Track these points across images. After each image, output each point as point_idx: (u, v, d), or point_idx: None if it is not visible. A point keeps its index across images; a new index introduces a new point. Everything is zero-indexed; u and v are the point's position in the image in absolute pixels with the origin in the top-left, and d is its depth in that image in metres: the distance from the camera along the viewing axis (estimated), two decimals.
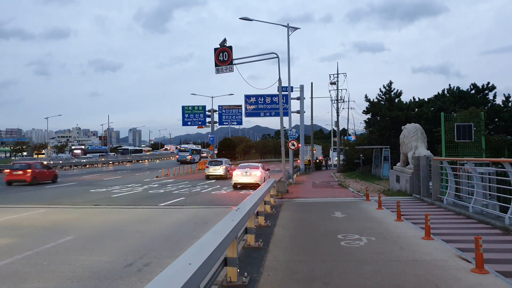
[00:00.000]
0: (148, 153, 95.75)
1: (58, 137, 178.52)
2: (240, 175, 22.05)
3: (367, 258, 6.40)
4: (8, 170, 25.09)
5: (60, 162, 50.89)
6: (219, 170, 30.45)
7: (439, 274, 5.46)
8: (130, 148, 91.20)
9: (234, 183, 22.17)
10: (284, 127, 26.95)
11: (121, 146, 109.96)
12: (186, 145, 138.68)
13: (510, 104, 30.66)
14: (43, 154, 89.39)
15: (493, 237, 7.97)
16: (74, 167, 49.52)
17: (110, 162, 59.62)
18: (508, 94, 31.03)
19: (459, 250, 6.71)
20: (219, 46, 21.35)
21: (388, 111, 33.66)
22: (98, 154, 74.22)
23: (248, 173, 22.09)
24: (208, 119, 48.55)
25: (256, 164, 24.86)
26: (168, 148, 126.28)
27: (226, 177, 29.69)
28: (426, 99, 35.63)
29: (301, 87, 40.47)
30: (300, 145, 35.27)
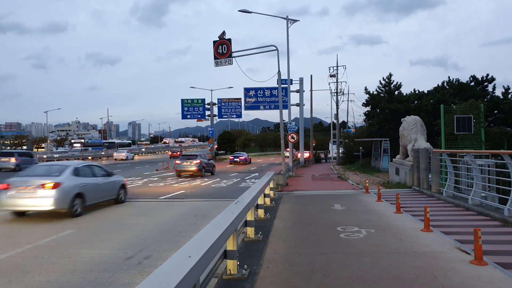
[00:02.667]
0: (145, 146, 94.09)
1: (58, 130, 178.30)
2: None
3: (366, 250, 6.42)
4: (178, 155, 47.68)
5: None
6: (287, 154, 53.84)
7: (438, 266, 5.49)
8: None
9: None
10: (284, 120, 26.90)
11: (117, 139, 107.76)
12: (183, 139, 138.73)
13: (509, 96, 30.65)
14: (43, 148, 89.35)
15: (492, 229, 7.99)
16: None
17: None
18: (508, 86, 31.03)
19: (458, 242, 6.73)
20: (218, 39, 21.26)
21: (387, 103, 33.63)
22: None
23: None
24: (207, 112, 48.49)
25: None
26: (167, 142, 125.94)
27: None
28: (425, 92, 35.61)
29: (301, 80, 40.38)
30: (299, 138, 35.28)
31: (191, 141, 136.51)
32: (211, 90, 49.58)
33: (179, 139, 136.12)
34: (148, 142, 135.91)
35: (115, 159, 53.92)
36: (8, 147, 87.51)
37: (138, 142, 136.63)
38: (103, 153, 62.45)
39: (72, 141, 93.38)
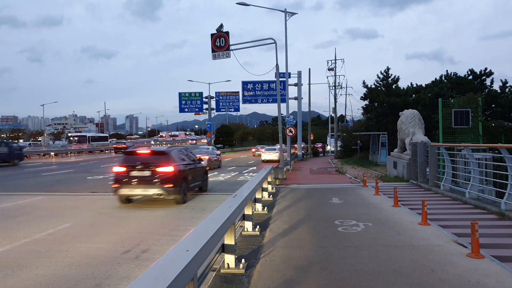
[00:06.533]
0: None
1: (55, 124, 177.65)
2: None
3: (364, 243, 6.44)
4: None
5: None
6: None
7: (435, 259, 5.50)
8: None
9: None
10: (282, 114, 26.85)
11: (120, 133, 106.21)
12: (176, 132, 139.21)
13: (507, 89, 30.66)
14: (40, 141, 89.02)
15: (489, 222, 8.03)
16: None
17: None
18: (505, 80, 31.03)
19: (455, 235, 6.76)
20: (215, 32, 21.13)
21: (385, 97, 33.59)
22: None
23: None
24: (205, 106, 48.32)
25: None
26: (164, 136, 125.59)
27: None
28: (423, 85, 35.57)
29: (299, 73, 40.28)
30: (297, 131, 35.27)
31: (186, 134, 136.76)
32: (209, 84, 49.50)
33: (173, 133, 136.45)
34: (138, 136, 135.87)
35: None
36: (5, 141, 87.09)
37: (130, 136, 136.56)
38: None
39: (69, 134, 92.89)
